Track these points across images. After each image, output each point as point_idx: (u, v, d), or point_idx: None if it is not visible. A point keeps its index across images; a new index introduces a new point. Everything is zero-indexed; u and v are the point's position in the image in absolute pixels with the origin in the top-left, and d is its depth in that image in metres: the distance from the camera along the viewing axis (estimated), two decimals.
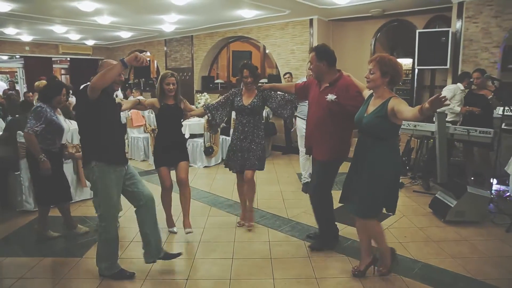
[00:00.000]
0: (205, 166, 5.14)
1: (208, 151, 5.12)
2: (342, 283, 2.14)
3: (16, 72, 10.52)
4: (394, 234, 2.79)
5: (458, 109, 3.89)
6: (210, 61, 8.07)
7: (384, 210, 2.15)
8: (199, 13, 5.79)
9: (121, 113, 2.77)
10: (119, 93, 6.93)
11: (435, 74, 5.74)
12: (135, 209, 2.27)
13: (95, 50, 10.09)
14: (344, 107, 2.26)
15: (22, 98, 7.76)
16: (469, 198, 2.93)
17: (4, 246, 2.67)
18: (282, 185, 4.21)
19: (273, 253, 2.53)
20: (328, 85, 2.34)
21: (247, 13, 5.61)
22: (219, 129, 5.03)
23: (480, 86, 3.92)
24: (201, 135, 5.23)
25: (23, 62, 9.63)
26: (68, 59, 10.41)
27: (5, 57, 10.35)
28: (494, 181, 3.50)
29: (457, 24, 4.55)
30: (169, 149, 2.75)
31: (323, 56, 2.31)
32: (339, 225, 2.66)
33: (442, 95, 1.67)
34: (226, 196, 3.83)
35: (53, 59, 9.95)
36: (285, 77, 5.72)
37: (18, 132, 3.05)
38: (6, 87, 8.36)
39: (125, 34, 7.92)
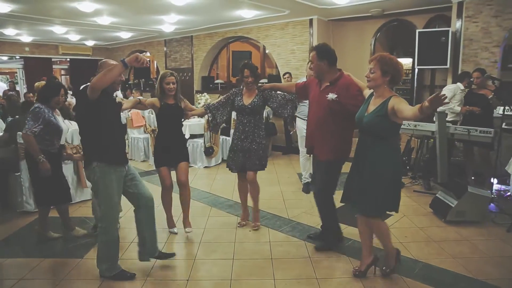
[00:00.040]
0: (205, 167, 5.14)
1: (208, 152, 5.12)
2: (343, 283, 2.14)
3: (16, 72, 10.52)
4: (395, 234, 2.79)
5: (458, 109, 3.89)
6: (210, 61, 8.07)
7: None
8: (198, 14, 5.79)
9: (121, 113, 2.77)
10: (119, 93, 6.93)
11: (435, 74, 5.74)
12: (134, 208, 2.29)
13: (95, 51, 10.09)
14: (344, 106, 2.26)
15: (22, 99, 7.78)
16: (470, 198, 2.93)
17: (4, 247, 2.67)
18: (283, 185, 4.21)
19: (274, 253, 2.53)
20: (328, 84, 2.33)
21: (247, 13, 5.60)
22: (219, 129, 5.04)
23: (480, 86, 3.91)
24: (201, 135, 5.23)
25: (23, 62, 9.63)
26: (68, 59, 10.42)
27: (5, 58, 10.35)
28: (495, 180, 3.50)
29: (457, 24, 4.55)
30: (170, 149, 2.75)
31: (324, 55, 2.31)
32: (340, 225, 2.65)
33: (441, 94, 1.67)
34: (227, 196, 3.82)
35: (53, 59, 9.95)
36: (284, 77, 5.71)
37: (18, 133, 3.05)
38: (6, 88, 8.36)
39: (125, 35, 7.92)
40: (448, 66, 4.59)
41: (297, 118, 3.87)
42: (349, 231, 2.74)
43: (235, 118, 5.08)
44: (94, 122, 2.05)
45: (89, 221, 3.10)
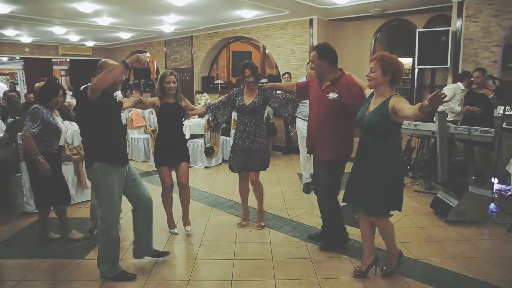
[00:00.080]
0: (206, 167, 5.14)
1: (209, 152, 5.12)
2: (343, 283, 2.14)
3: (16, 73, 10.53)
4: (396, 234, 2.78)
5: (458, 108, 3.89)
6: (210, 61, 8.07)
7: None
8: (198, 14, 5.79)
9: (121, 113, 2.77)
10: (119, 93, 6.94)
11: (436, 74, 5.73)
12: (132, 208, 2.30)
13: (95, 51, 10.09)
14: (346, 105, 2.26)
15: (23, 100, 7.78)
16: (471, 197, 2.93)
17: (5, 248, 2.67)
18: (283, 185, 4.21)
19: (275, 253, 2.53)
20: (329, 83, 2.33)
21: (247, 14, 5.60)
22: (220, 129, 5.04)
23: (480, 85, 3.91)
24: (201, 136, 5.23)
25: (23, 63, 9.64)
26: (68, 60, 10.42)
27: (5, 59, 10.36)
28: (495, 180, 3.49)
29: (457, 23, 4.55)
30: (170, 148, 2.76)
31: (325, 55, 2.31)
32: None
33: (441, 92, 1.67)
34: (227, 196, 3.82)
35: (53, 60, 9.96)
36: (284, 77, 5.71)
37: (19, 134, 3.05)
38: (7, 89, 8.36)
39: (125, 35, 7.92)
40: (448, 65, 4.59)
41: (297, 118, 3.87)
42: (350, 231, 2.72)
43: (235, 118, 5.11)
44: (94, 123, 2.06)
45: (90, 222, 3.10)
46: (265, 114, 5.43)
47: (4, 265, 2.42)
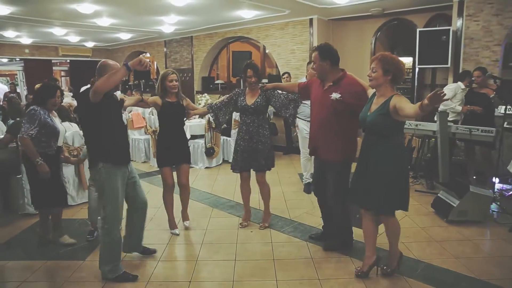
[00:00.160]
0: (206, 167, 5.14)
1: (209, 152, 5.12)
2: (345, 284, 2.14)
3: (16, 74, 10.53)
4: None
5: (459, 108, 3.88)
6: (210, 61, 8.07)
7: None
8: (198, 14, 5.79)
9: (122, 113, 2.78)
10: (118, 93, 6.94)
11: (436, 73, 5.72)
12: (127, 208, 2.33)
13: (95, 52, 10.09)
14: (348, 105, 2.25)
15: (23, 101, 7.78)
16: (472, 197, 2.92)
17: (6, 249, 2.67)
18: (284, 185, 4.21)
19: (276, 254, 2.53)
20: (332, 84, 2.33)
21: (247, 14, 5.60)
22: (221, 129, 5.03)
23: (481, 85, 3.90)
24: (202, 136, 5.23)
25: (23, 64, 9.64)
26: (68, 61, 10.43)
27: (5, 60, 10.36)
28: (497, 180, 3.48)
29: (457, 23, 4.54)
30: (172, 147, 2.77)
31: (326, 55, 2.30)
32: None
33: (440, 91, 1.67)
34: (228, 197, 3.82)
35: (53, 61, 9.96)
36: (283, 77, 5.70)
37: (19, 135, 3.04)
38: (7, 90, 8.36)
39: (125, 36, 7.92)
40: (449, 65, 4.58)
41: (297, 118, 3.87)
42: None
43: (236, 118, 5.12)
44: (97, 124, 2.07)
45: (90, 223, 3.10)
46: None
47: (6, 267, 2.42)
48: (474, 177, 3.94)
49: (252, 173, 2.93)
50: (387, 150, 2.00)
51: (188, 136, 4.94)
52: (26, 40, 8.24)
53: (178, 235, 2.87)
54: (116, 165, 2.12)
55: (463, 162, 4.12)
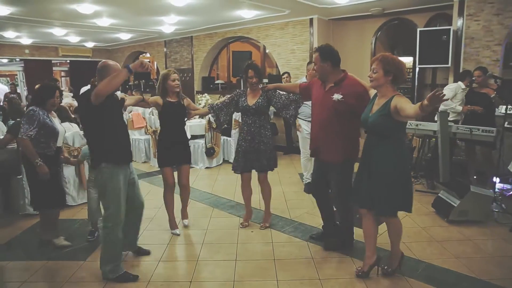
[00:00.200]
0: (207, 167, 5.15)
1: (210, 152, 5.12)
2: (345, 284, 2.14)
3: (16, 75, 10.54)
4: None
5: (459, 108, 3.87)
6: (210, 61, 8.07)
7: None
8: (198, 14, 5.79)
9: (123, 114, 2.77)
10: (119, 93, 6.95)
11: (436, 73, 5.72)
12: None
13: (95, 52, 10.09)
14: (350, 106, 2.25)
15: (24, 102, 7.78)
16: (472, 197, 2.92)
17: (7, 250, 2.67)
18: (284, 185, 4.21)
19: (276, 254, 2.53)
20: (333, 85, 2.32)
21: (247, 14, 5.59)
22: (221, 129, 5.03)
23: (481, 85, 3.90)
24: (202, 136, 5.23)
25: (23, 65, 9.64)
26: (68, 61, 10.43)
27: (5, 60, 10.36)
28: (497, 179, 3.48)
29: (458, 22, 4.53)
30: (173, 147, 2.78)
31: (327, 56, 2.30)
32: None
33: (439, 91, 1.67)
34: (228, 197, 3.82)
35: (53, 61, 9.96)
36: (283, 76, 5.70)
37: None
38: (8, 90, 8.36)
39: (125, 36, 7.92)
40: (449, 64, 4.58)
41: (298, 119, 3.86)
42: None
43: (236, 118, 5.12)
44: (98, 125, 2.09)
45: (91, 224, 3.10)
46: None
47: (6, 267, 2.42)
48: (475, 177, 3.93)
49: (253, 173, 2.93)
50: (389, 151, 2.00)
51: (188, 136, 4.95)
52: (26, 40, 8.24)
53: (178, 235, 2.87)
54: (119, 164, 2.14)
55: (464, 162, 4.11)
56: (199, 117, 4.56)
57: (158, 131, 2.95)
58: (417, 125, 3.74)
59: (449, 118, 3.73)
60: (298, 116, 3.80)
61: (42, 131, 2.49)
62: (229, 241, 2.74)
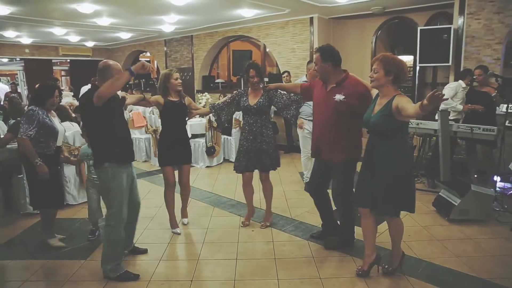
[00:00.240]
0: (207, 166, 5.15)
1: (210, 151, 5.12)
2: (346, 283, 2.14)
3: (17, 74, 10.54)
4: None
5: (460, 107, 3.86)
6: (210, 60, 8.06)
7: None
8: (198, 13, 5.78)
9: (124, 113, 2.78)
10: (119, 92, 6.94)
11: (437, 71, 5.71)
12: None
13: (95, 51, 10.09)
14: (352, 106, 2.25)
15: (24, 101, 7.78)
16: (473, 196, 2.92)
17: (8, 249, 2.67)
18: (285, 184, 4.21)
19: (277, 253, 2.53)
20: (335, 85, 2.32)
21: (247, 13, 5.59)
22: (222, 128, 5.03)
23: (482, 83, 3.89)
24: (202, 135, 5.23)
25: (23, 64, 9.65)
26: (68, 60, 10.43)
27: (5, 60, 10.37)
28: (498, 178, 3.48)
29: (459, 21, 4.52)
30: (174, 146, 2.79)
31: (328, 57, 2.29)
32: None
33: (438, 91, 1.67)
34: (229, 196, 3.82)
35: (53, 61, 9.96)
36: (283, 75, 5.69)
37: None
38: (8, 90, 8.37)
39: (125, 35, 7.92)
40: (450, 63, 4.57)
41: (300, 118, 3.86)
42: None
43: (236, 117, 5.11)
44: (100, 125, 2.10)
45: (91, 223, 3.10)
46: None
47: (8, 266, 2.42)
48: (476, 176, 3.93)
49: (254, 172, 2.93)
50: (391, 151, 1.99)
51: (189, 135, 4.95)
52: (26, 40, 8.24)
53: (179, 234, 2.88)
54: (122, 164, 2.15)
55: (465, 160, 4.11)
56: (199, 116, 4.55)
57: (159, 130, 2.95)
58: (417, 124, 3.74)
59: (449, 117, 3.73)
60: (300, 115, 3.81)
61: (41, 131, 2.49)
62: (230, 240, 2.74)
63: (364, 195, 2.12)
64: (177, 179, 2.93)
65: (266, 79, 6.31)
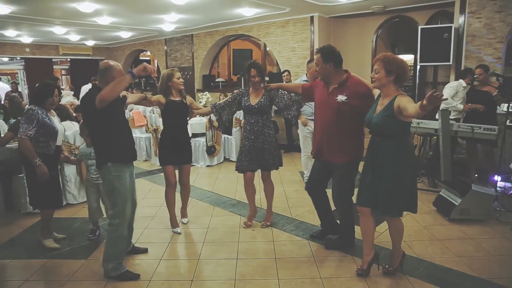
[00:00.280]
0: (208, 166, 5.15)
1: (210, 151, 5.12)
2: (347, 282, 2.14)
3: (17, 73, 10.54)
4: None
5: (461, 107, 3.85)
6: (211, 59, 8.05)
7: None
8: (199, 12, 5.77)
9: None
10: None
11: (438, 70, 5.70)
12: None
13: (95, 51, 10.09)
14: (355, 107, 2.24)
15: (24, 100, 7.78)
16: (474, 196, 2.92)
17: (9, 248, 2.68)
18: (285, 184, 4.21)
19: (278, 253, 2.53)
20: (336, 86, 2.31)
21: (247, 11, 5.58)
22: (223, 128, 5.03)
23: (483, 83, 3.88)
24: (203, 135, 5.23)
25: (23, 63, 9.64)
26: (69, 59, 10.42)
27: (5, 59, 10.36)
28: (499, 178, 3.47)
29: (459, 20, 4.51)
30: (175, 145, 2.79)
31: (329, 57, 2.28)
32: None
33: (436, 92, 1.67)
34: (229, 195, 3.83)
35: (53, 60, 9.96)
36: (283, 75, 5.69)
37: None
38: (9, 89, 8.37)
39: (125, 34, 7.91)
40: (450, 62, 4.57)
41: (302, 116, 3.85)
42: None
43: (237, 116, 5.11)
44: (102, 126, 2.10)
45: (92, 223, 3.11)
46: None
47: (8, 266, 2.43)
48: (476, 175, 3.93)
49: (256, 172, 2.93)
50: (394, 151, 1.99)
51: (189, 135, 4.95)
52: (26, 39, 8.24)
53: (180, 233, 2.88)
54: (124, 163, 2.17)
55: (465, 160, 4.11)
56: (199, 116, 4.55)
57: (159, 130, 2.95)
58: (418, 123, 3.73)
59: (450, 117, 3.72)
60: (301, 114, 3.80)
61: (41, 130, 2.48)
62: (230, 240, 2.74)
63: (365, 194, 2.12)
64: (177, 179, 2.93)
65: (267, 78, 6.31)
